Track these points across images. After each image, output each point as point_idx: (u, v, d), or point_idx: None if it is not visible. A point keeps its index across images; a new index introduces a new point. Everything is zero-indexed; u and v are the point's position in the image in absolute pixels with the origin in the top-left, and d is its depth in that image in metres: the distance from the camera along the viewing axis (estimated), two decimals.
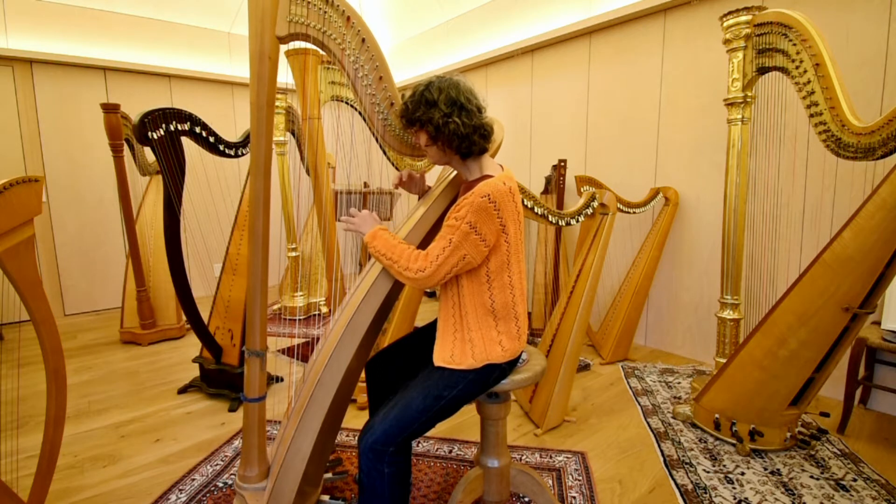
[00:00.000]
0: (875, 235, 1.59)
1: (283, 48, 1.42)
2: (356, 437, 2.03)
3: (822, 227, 2.33)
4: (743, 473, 1.77)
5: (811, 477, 1.74)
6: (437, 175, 1.62)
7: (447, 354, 1.27)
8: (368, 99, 1.31)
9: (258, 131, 1.24)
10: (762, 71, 1.87)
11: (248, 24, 1.19)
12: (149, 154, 3.33)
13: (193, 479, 1.77)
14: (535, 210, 2.03)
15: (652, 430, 2.10)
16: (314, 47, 1.30)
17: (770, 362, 1.82)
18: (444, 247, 1.18)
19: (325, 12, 1.21)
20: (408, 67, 5.02)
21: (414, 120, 1.26)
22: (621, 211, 2.77)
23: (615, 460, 1.89)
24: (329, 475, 1.68)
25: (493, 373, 1.28)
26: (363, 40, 1.25)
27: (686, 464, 1.84)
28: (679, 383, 2.59)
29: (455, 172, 1.49)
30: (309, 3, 1.19)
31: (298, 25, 1.21)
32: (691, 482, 1.72)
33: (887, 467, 1.81)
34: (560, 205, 3.13)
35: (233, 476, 1.78)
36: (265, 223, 1.30)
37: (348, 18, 1.23)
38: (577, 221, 2.18)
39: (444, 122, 1.21)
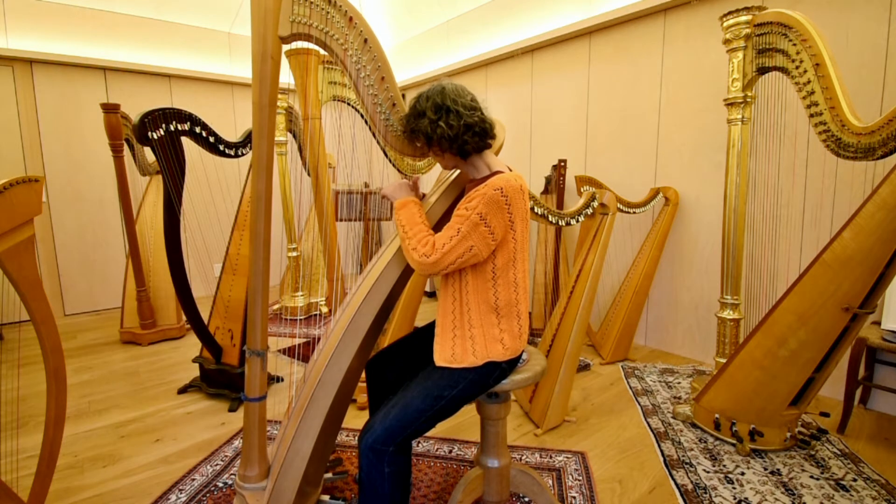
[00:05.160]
0: (875, 235, 1.60)
1: (284, 48, 1.42)
2: (356, 437, 2.03)
3: (822, 227, 2.33)
4: (743, 473, 1.77)
5: (811, 477, 1.75)
6: (434, 178, 1.63)
7: (448, 353, 1.27)
8: (371, 99, 1.32)
9: (260, 131, 1.24)
10: (762, 71, 1.87)
11: (251, 25, 1.19)
12: (149, 154, 3.33)
13: (193, 479, 1.77)
14: (535, 210, 2.03)
15: (652, 430, 2.10)
16: (315, 47, 1.30)
17: (770, 362, 1.82)
18: (451, 236, 1.19)
19: (328, 12, 1.21)
20: (408, 67, 5.03)
21: (411, 132, 1.33)
22: (621, 211, 2.77)
23: (615, 460, 1.89)
24: (329, 475, 1.68)
25: (494, 373, 1.28)
26: (365, 41, 1.25)
27: (686, 464, 1.84)
28: (679, 383, 2.59)
29: (456, 173, 1.49)
30: (311, 3, 1.19)
31: (301, 26, 1.21)
32: (691, 482, 1.73)
33: (887, 467, 1.81)
34: (560, 205, 3.14)
35: (233, 476, 1.78)
36: (267, 223, 1.30)
37: (350, 19, 1.23)
38: (577, 221, 2.18)
39: (432, 128, 1.25)
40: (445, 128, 1.24)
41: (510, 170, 1.32)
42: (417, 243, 1.24)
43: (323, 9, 1.21)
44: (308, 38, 1.23)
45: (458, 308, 1.28)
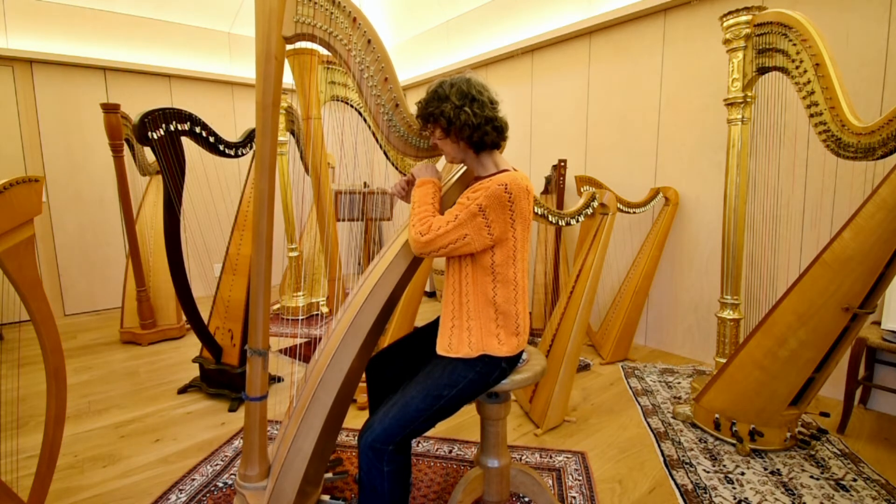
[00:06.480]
0: (875, 235, 1.60)
1: (287, 48, 1.42)
2: (356, 437, 2.03)
3: (822, 227, 2.34)
4: (743, 473, 1.77)
5: (811, 477, 1.75)
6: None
7: (445, 342, 1.29)
8: (374, 100, 1.31)
9: (263, 131, 1.24)
10: (762, 71, 1.88)
11: (255, 25, 1.19)
12: (149, 154, 3.33)
13: (193, 479, 1.77)
14: (535, 210, 2.03)
15: (652, 430, 2.10)
16: (318, 47, 1.30)
17: (770, 362, 1.82)
18: (448, 221, 1.21)
19: (332, 13, 1.21)
20: (408, 67, 5.03)
21: (427, 116, 1.31)
22: (621, 211, 2.77)
23: (615, 460, 1.89)
24: (329, 475, 1.68)
25: (493, 372, 1.28)
26: (369, 41, 1.26)
27: (686, 464, 1.84)
28: (679, 383, 2.59)
29: (463, 170, 1.49)
30: (316, 3, 1.20)
31: (305, 26, 1.21)
32: (691, 482, 1.73)
33: (887, 467, 1.81)
34: (560, 205, 3.14)
35: (233, 476, 1.78)
36: (269, 222, 1.30)
37: (354, 20, 1.23)
38: (577, 221, 2.18)
39: (455, 113, 1.25)
40: (470, 114, 1.24)
41: (516, 171, 1.33)
42: (418, 221, 1.26)
43: (327, 9, 1.21)
44: (312, 38, 1.24)
45: (458, 299, 1.30)
